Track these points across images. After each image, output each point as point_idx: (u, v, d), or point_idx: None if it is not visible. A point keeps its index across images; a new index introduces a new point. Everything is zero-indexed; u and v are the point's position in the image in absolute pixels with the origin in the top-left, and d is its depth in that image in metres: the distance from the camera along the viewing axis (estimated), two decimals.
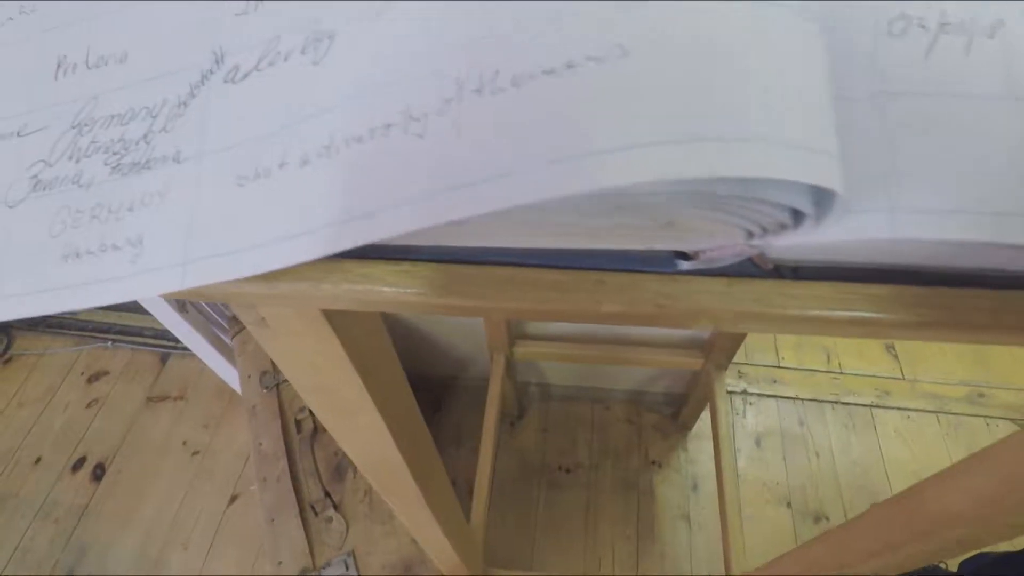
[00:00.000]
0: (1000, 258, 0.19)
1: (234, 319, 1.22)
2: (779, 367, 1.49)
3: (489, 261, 0.20)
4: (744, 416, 1.45)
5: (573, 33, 0.13)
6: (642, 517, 1.31)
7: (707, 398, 1.21)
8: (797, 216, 0.16)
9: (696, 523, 1.30)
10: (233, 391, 1.47)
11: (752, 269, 0.20)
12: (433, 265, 0.20)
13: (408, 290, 0.20)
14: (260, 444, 1.02)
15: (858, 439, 1.42)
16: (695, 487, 1.34)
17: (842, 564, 0.63)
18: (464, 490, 1.31)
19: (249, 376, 1.11)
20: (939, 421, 1.43)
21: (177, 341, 1.27)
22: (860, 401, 1.45)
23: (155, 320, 1.15)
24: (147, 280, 0.18)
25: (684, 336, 1.15)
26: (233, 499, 1.38)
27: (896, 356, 1.51)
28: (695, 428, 1.40)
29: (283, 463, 0.99)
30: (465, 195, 0.14)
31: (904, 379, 1.47)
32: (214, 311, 1.22)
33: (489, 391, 1.12)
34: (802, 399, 1.46)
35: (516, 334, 1.19)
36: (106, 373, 1.57)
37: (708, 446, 1.37)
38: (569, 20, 0.14)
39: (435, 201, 0.14)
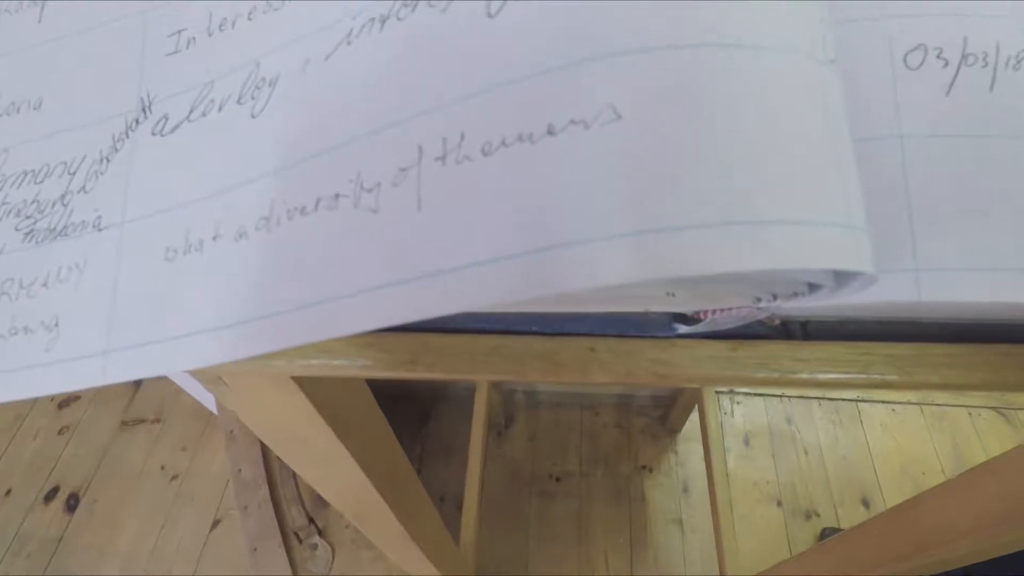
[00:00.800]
0: None
1: None
2: None
3: (467, 328, 0.18)
4: (732, 416, 1.44)
5: (555, 90, 0.11)
6: (635, 523, 1.29)
7: (695, 400, 1.20)
8: (813, 283, 0.14)
9: (689, 526, 1.29)
10: (211, 411, 1.43)
11: (757, 327, 0.18)
12: (401, 335, 0.18)
13: (373, 365, 0.18)
14: (239, 471, 0.98)
15: (845, 434, 1.42)
16: (686, 490, 1.33)
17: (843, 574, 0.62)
18: (453, 504, 1.28)
19: None
20: (923, 413, 1.44)
21: None
22: (845, 396, 1.45)
23: None
24: (63, 371, 0.16)
25: None
26: (216, 523, 1.34)
27: None
28: (684, 430, 1.39)
29: (264, 490, 0.96)
30: (425, 288, 0.11)
31: None
32: None
33: (475, 405, 1.10)
34: (789, 396, 1.46)
35: None
36: (77, 398, 1.51)
37: (697, 448, 1.36)
38: (550, 74, 0.11)
39: (390, 295, 0.12)
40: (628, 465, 1.36)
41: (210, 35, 0.17)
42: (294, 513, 0.93)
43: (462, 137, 0.12)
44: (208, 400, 1.33)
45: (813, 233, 0.11)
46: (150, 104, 0.18)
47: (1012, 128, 0.15)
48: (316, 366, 0.18)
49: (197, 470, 1.41)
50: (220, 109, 0.16)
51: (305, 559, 0.89)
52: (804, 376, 0.17)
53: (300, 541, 0.90)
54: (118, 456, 1.44)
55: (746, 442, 1.40)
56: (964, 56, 0.15)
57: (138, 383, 1.54)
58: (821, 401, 1.44)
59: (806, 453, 1.39)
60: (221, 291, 0.14)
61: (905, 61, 0.16)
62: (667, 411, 1.39)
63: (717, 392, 1.46)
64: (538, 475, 1.35)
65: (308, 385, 0.27)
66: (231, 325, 0.14)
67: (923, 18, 0.16)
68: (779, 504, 1.32)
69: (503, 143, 0.11)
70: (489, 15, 0.12)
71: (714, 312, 0.16)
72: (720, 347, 0.17)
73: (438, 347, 0.17)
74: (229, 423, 1.02)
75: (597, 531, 1.27)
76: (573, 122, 0.11)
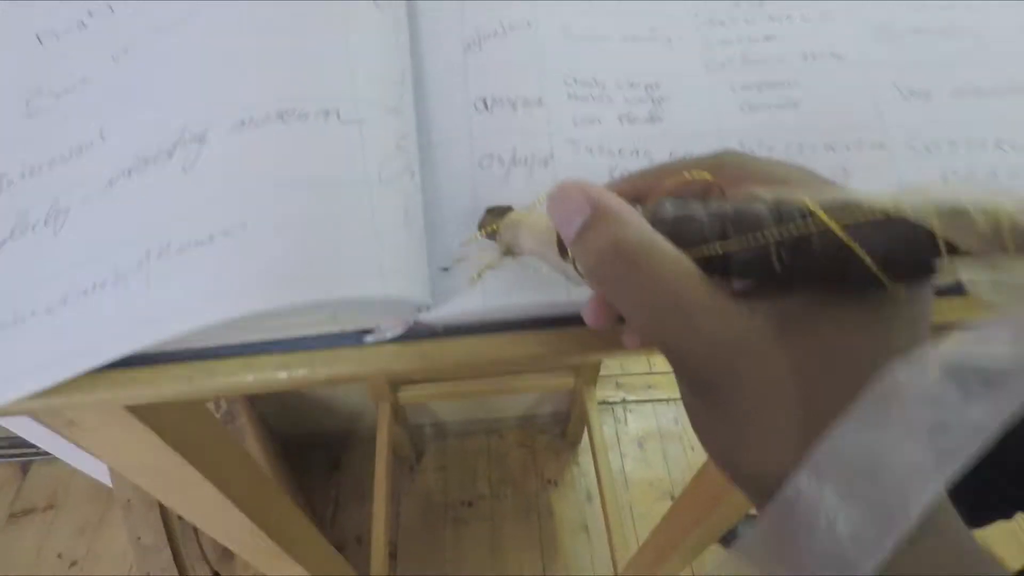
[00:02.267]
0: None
1: None
2: (651, 373, 1.64)
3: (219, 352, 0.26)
4: (626, 423, 1.57)
5: (216, 211, 0.21)
6: (544, 537, 1.38)
7: (584, 413, 1.32)
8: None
9: (594, 531, 1.39)
10: (108, 487, 1.38)
11: (426, 332, 0.28)
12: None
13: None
14: (139, 538, 0.98)
15: None
16: (589, 498, 1.44)
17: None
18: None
19: None
20: None
21: (37, 447, 1.18)
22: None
23: (5, 428, 1.08)
24: None
25: None
26: None
27: None
28: (583, 442, 1.51)
29: (166, 553, 0.96)
30: (153, 328, 0.20)
31: None
32: None
33: (377, 441, 1.15)
34: (674, 399, 1.61)
35: (399, 380, 1.24)
36: None
37: None
38: (213, 199, 0.21)
39: (136, 333, 0.20)
40: (535, 482, 1.45)
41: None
42: (199, 570, 0.94)
43: (169, 243, 0.21)
44: (103, 475, 1.29)
45: (389, 282, 0.21)
46: None
47: None
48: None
49: (98, 552, 1.35)
50: (33, 229, 0.25)
51: None
52: (450, 361, 0.27)
53: None
54: (8, 551, 1.35)
55: (640, 446, 1.53)
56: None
57: (25, 470, 1.46)
58: None
59: (692, 449, 1.54)
60: (32, 349, 0.23)
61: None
62: (565, 426, 1.50)
63: (610, 403, 1.59)
64: (451, 503, 1.41)
65: (149, 415, 0.34)
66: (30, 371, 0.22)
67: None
68: (672, 499, 1.45)
69: (189, 245, 0.21)
70: (184, 170, 0.22)
71: (382, 327, 0.26)
72: (394, 347, 0.27)
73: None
74: (125, 492, 1.02)
75: (510, 548, 1.35)
76: (224, 232, 0.20)
